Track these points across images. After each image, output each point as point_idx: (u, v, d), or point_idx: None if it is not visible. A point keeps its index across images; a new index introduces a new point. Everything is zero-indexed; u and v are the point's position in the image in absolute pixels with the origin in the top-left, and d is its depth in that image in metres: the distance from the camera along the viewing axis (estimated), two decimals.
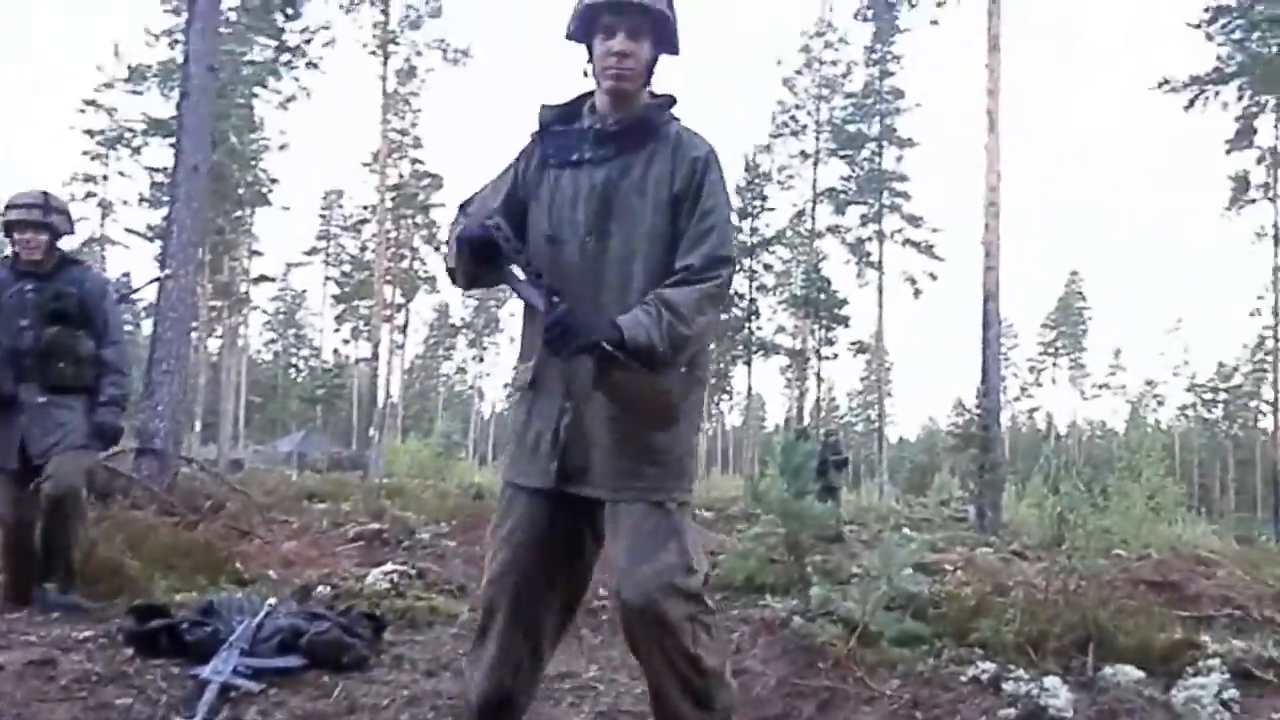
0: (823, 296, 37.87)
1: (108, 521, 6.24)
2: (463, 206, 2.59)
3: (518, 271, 2.27)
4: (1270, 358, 45.86)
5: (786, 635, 4.64)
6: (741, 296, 38.66)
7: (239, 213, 42.13)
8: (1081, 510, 5.28)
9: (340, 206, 59.97)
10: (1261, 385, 60.97)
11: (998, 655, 4.28)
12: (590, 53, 2.46)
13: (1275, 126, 31.05)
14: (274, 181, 42.30)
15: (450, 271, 2.49)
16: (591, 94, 2.54)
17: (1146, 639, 4.46)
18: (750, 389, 46.17)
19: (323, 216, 60.40)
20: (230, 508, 9.64)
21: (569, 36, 2.51)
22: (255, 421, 60.68)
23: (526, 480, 2.42)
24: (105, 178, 45.99)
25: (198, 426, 46.64)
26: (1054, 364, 72.24)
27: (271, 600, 4.20)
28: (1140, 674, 4.12)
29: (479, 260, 2.33)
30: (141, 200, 42.47)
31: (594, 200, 2.40)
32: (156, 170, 38.07)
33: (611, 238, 2.39)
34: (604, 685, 4.03)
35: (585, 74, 2.51)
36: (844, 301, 39.38)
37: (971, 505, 23.34)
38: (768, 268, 42.06)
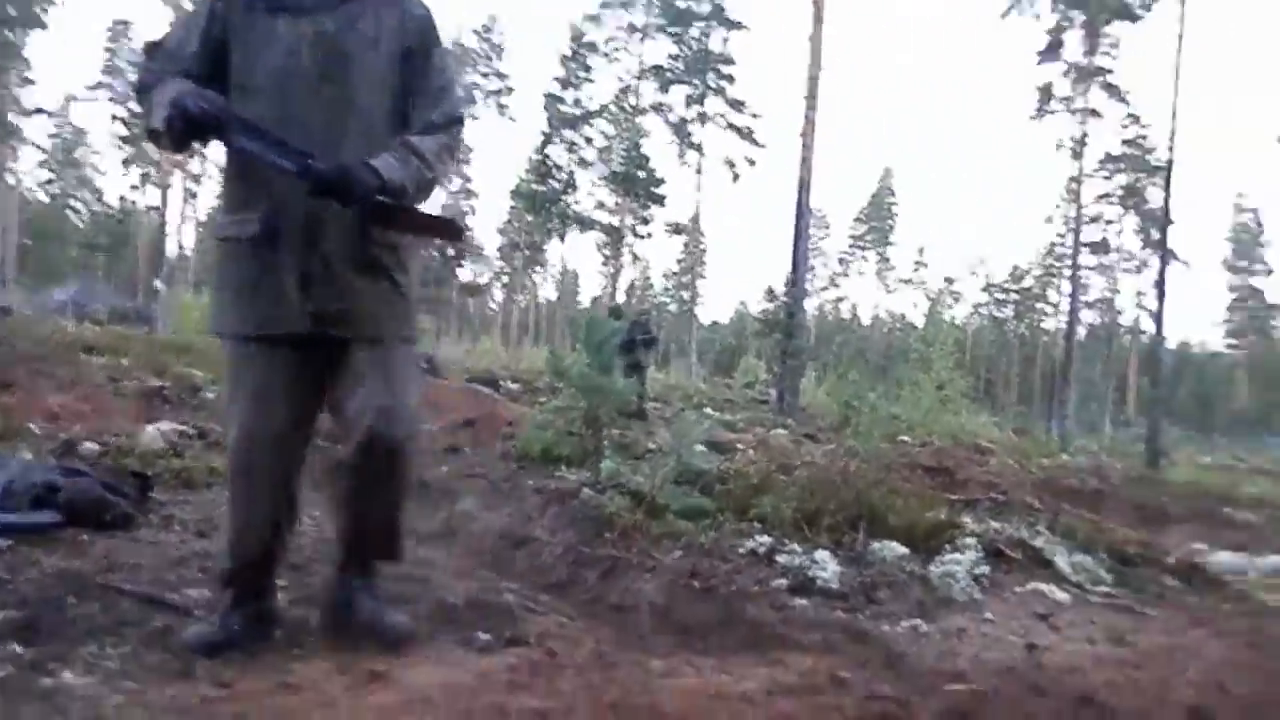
0: (641, 174, 37.84)
1: None
2: (150, 51, 2.42)
3: (249, 143, 2.19)
4: (1058, 263, 48.98)
5: (576, 506, 4.72)
6: (559, 168, 38.29)
7: (8, 34, 38.36)
8: (866, 397, 5.53)
9: (129, 39, 55.21)
10: (1048, 289, 65.20)
11: (776, 530, 4.49)
12: None
13: (1082, 42, 32.48)
14: (49, 1, 38.58)
15: (152, 133, 2.29)
16: None
17: (914, 519, 4.76)
18: (564, 263, 46.13)
19: (109, 49, 55.54)
20: None
21: None
22: (28, 266, 56.40)
23: (271, 329, 2.38)
24: None
25: None
26: (862, 257, 75.00)
27: (26, 454, 3.95)
28: (905, 550, 4.41)
29: (194, 133, 2.18)
30: None
31: (320, 49, 2.33)
32: None
33: (345, 86, 2.36)
34: None
35: None
36: (662, 180, 39.49)
37: (774, 389, 24.26)
38: (589, 141, 41.63)
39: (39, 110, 46.53)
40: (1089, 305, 45.19)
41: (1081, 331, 39.57)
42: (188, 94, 2.15)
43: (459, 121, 2.56)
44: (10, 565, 2.88)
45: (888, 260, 75.39)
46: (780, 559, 4.09)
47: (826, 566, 3.99)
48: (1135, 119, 35.26)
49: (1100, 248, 40.97)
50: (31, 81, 45.61)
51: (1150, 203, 36.24)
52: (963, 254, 73.79)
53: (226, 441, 2.50)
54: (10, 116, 43.84)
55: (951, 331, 20.77)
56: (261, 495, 2.43)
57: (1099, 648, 3.43)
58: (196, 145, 2.28)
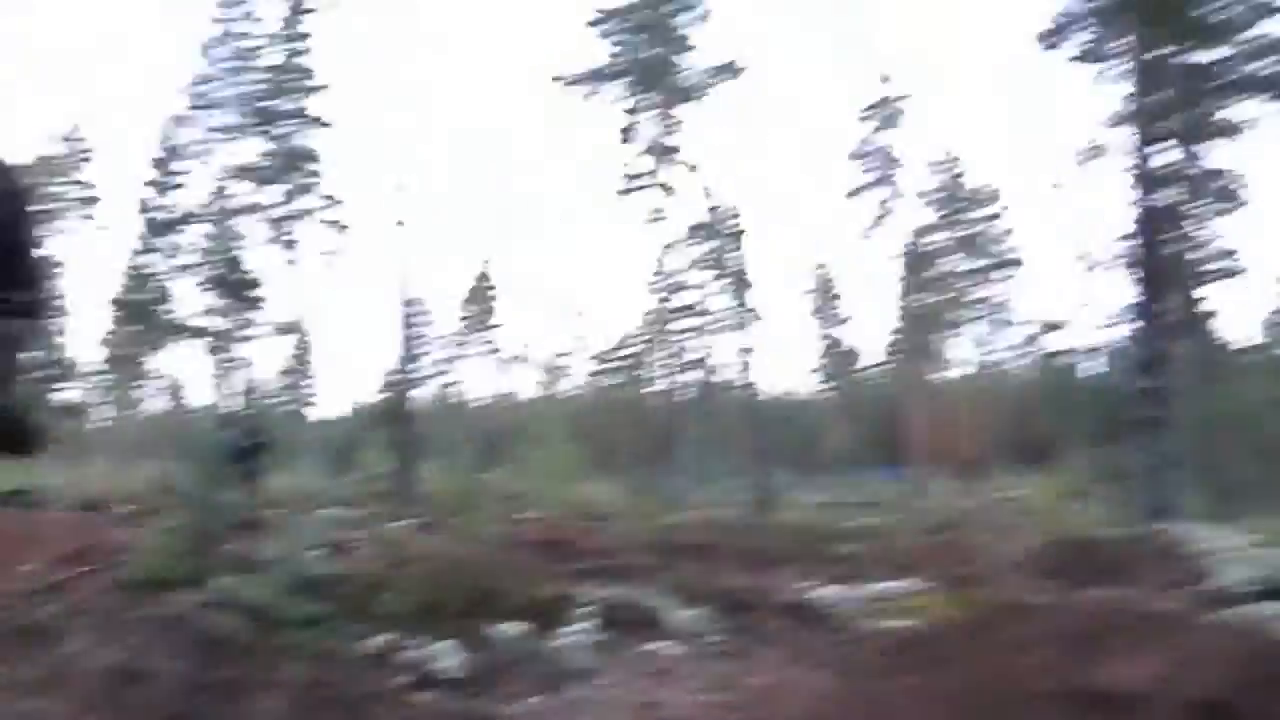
0: (237, 277, 36.31)
1: None
2: None
3: None
4: (660, 328, 52.19)
5: (191, 630, 4.55)
6: (155, 276, 35.89)
7: None
8: (474, 484, 5.77)
9: None
10: (653, 353, 69.15)
11: (399, 626, 4.58)
12: None
13: (656, 122, 35.07)
14: None
15: None
16: None
17: (530, 595, 5.03)
18: (169, 373, 43.05)
19: None
20: None
21: None
22: None
23: None
24: None
25: None
26: (468, 340, 75.94)
27: None
28: (526, 627, 4.65)
29: None
30: None
31: None
32: None
33: None
34: None
35: None
36: (256, 283, 38.08)
37: (393, 480, 23.93)
38: (185, 247, 39.37)
39: None
40: (690, 365, 48.54)
41: (692, 391, 42.33)
42: None
43: (32, 285, 2.19)
44: None
45: (490, 343, 76.95)
46: (400, 656, 4.18)
47: (448, 656, 4.14)
48: (708, 192, 38.55)
49: (693, 311, 44.18)
50: None
51: (734, 266, 39.58)
52: (574, 328, 76.12)
53: None
54: None
55: (561, 404, 21.68)
56: None
57: (710, 696, 3.78)
58: None
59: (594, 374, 76.95)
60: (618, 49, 31.69)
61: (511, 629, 4.62)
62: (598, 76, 31.39)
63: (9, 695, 2.52)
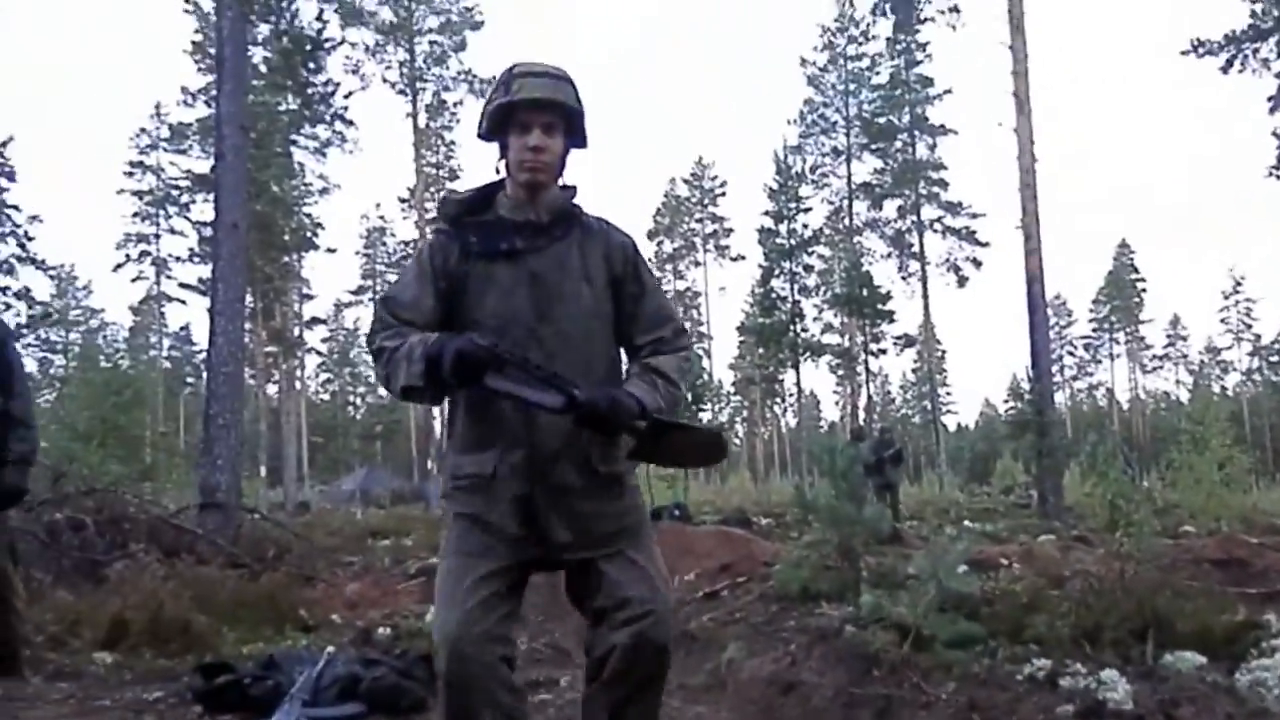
0: (865, 293, 37.56)
1: (175, 579, 6.38)
2: (385, 304, 2.54)
3: (506, 384, 2.27)
4: None
5: (841, 644, 4.65)
6: (784, 299, 38.54)
7: (286, 259, 42.88)
8: (1130, 493, 5.22)
9: (384, 244, 60.80)
10: None
11: (1054, 650, 4.26)
12: (503, 150, 2.54)
13: None
14: (318, 225, 43.10)
15: (407, 389, 2.35)
16: (498, 185, 2.62)
17: (1208, 622, 4.41)
18: (800, 390, 46.02)
19: (367, 255, 61.24)
20: (294, 554, 9.81)
21: (481, 137, 2.60)
22: (319, 461, 61.49)
23: (504, 560, 2.44)
24: (157, 236, 47.22)
25: (263, 472, 47.47)
26: (1110, 339, 71.05)
27: (330, 649, 4.30)
28: (1202, 659, 4.08)
29: (465, 376, 2.24)
30: (193, 255, 43.56)
31: (537, 288, 2.48)
32: (204, 224, 39.00)
33: (561, 323, 2.48)
34: None
35: (497, 170, 2.60)
36: (887, 296, 39.05)
37: (1033, 491, 23.04)
38: (809, 269, 41.82)
39: (316, 320, 51.52)
40: None
41: None
42: (462, 341, 2.24)
43: (685, 333, 2.67)
44: None
45: (1141, 338, 71.07)
46: (1063, 682, 3.86)
47: (1116, 686, 3.73)
48: None
49: None
50: (311, 296, 50.71)
51: None
52: (1223, 321, 67.82)
53: None
54: (295, 330, 48.72)
55: (1223, 404, 19.20)
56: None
57: None
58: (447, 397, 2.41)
59: (1258, 368, 67.95)
60: (1261, 3, 27.74)
61: (1187, 660, 4.06)
62: (1243, 38, 27.67)
63: (678, 698, 2.75)
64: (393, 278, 59.63)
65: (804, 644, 4.88)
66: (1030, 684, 3.93)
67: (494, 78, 2.58)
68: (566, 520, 2.43)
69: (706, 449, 2.55)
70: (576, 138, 2.60)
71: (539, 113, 2.48)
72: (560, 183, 2.61)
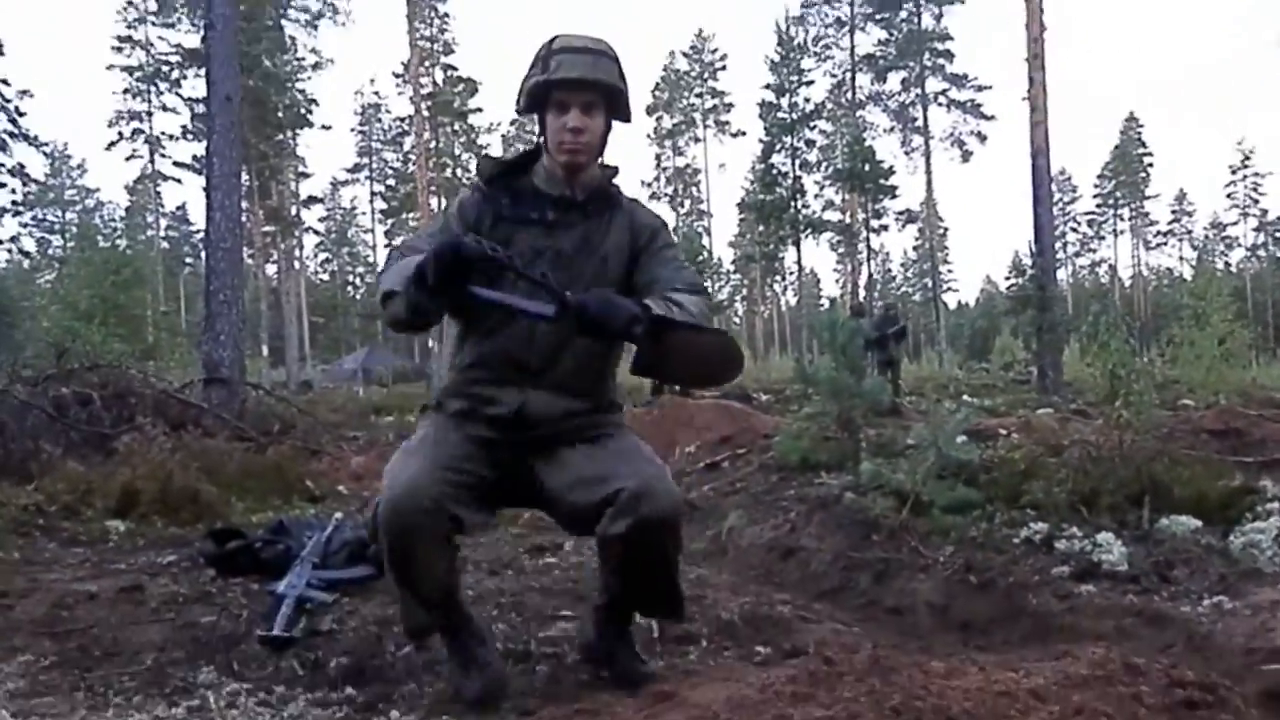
0: (867, 168, 37.13)
1: (183, 451, 6.46)
2: (399, 248, 2.51)
3: (495, 295, 2.23)
4: None
5: (840, 511, 4.73)
6: (785, 175, 38.12)
7: (280, 136, 42.27)
8: (1130, 364, 5.22)
9: (379, 121, 59.79)
10: None
11: (1051, 515, 4.32)
12: (542, 124, 2.48)
13: None
14: (313, 102, 42.34)
15: (402, 312, 2.29)
16: (535, 154, 2.57)
17: (1203, 488, 4.46)
18: (800, 268, 45.91)
19: (362, 132, 60.27)
20: (299, 429, 9.91)
21: (519, 111, 2.54)
22: (320, 341, 61.78)
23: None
24: (150, 113, 46.44)
25: (265, 352, 47.71)
26: (1115, 215, 70.50)
27: (338, 515, 4.36)
28: (1197, 523, 4.14)
29: (450, 278, 2.16)
30: (186, 133, 42.91)
31: (560, 262, 2.43)
32: (197, 101, 38.34)
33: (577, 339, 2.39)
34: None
35: (535, 143, 2.57)
36: (890, 171, 38.62)
37: (1033, 367, 23.17)
38: (810, 144, 41.26)
39: (313, 199, 51.02)
40: None
41: None
42: (453, 238, 2.20)
43: (704, 291, 2.53)
44: (337, 617, 3.21)
45: (1146, 214, 70.51)
46: (1059, 545, 3.94)
47: (1111, 548, 3.80)
48: None
49: None
50: (307, 175, 50.15)
51: None
52: (1230, 193, 66.96)
53: None
54: (292, 209, 48.29)
55: (1226, 280, 19.15)
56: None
57: None
58: (433, 311, 2.31)
59: (1261, 244, 67.58)
60: None
61: (1182, 523, 4.13)
62: None
63: (681, 561, 2.80)
64: (389, 155, 59.21)
65: (804, 512, 4.96)
66: (1026, 546, 4.01)
67: None
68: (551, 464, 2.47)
69: (721, 354, 2.32)
70: (619, 114, 2.53)
71: (579, 92, 2.41)
72: (600, 162, 2.55)
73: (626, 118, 2.56)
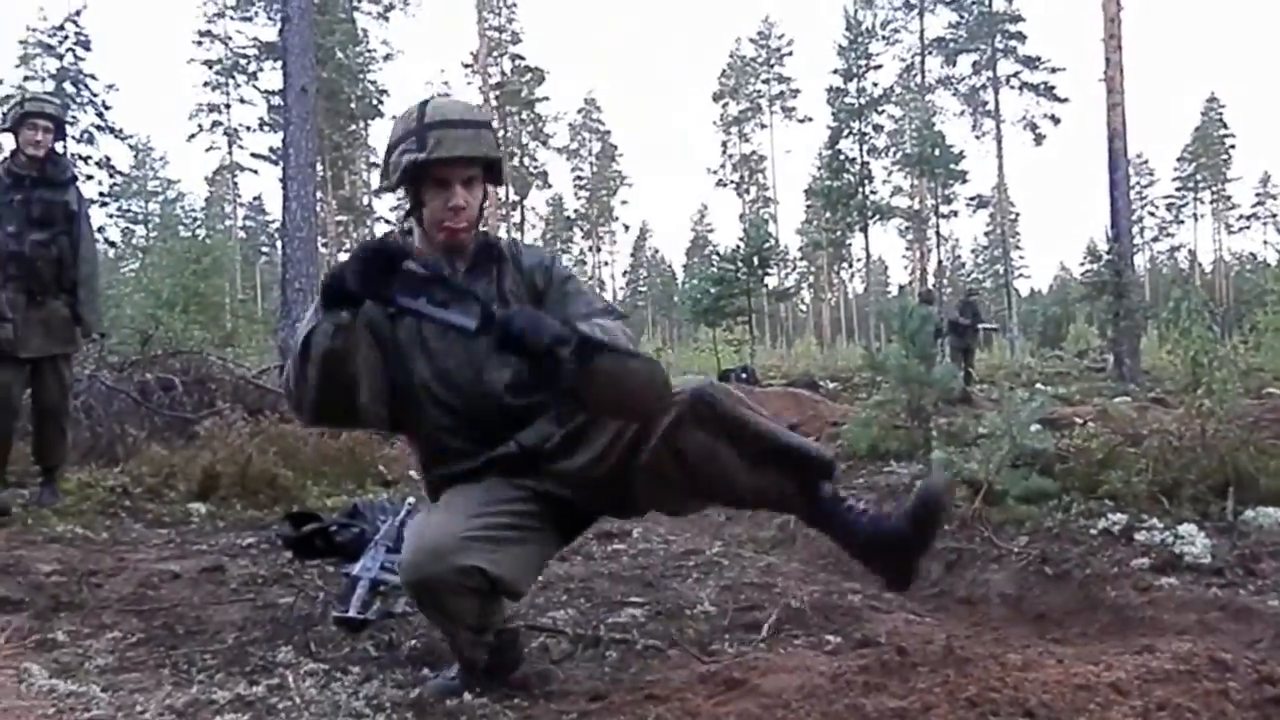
0: (937, 153, 36.54)
1: (260, 436, 6.59)
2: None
3: (416, 304, 2.10)
4: None
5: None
6: (853, 161, 37.69)
7: (353, 127, 42.87)
8: (1215, 352, 5.09)
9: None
10: None
11: (1129, 506, 4.24)
12: (417, 202, 2.37)
13: None
14: (384, 93, 42.88)
15: (317, 353, 2.13)
16: (405, 233, 2.49)
17: None
18: (868, 255, 45.42)
19: None
20: None
21: (388, 188, 2.43)
22: None
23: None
24: (228, 105, 47.35)
25: None
26: (1195, 198, 68.62)
27: (410, 499, 4.42)
28: None
29: (374, 276, 2.06)
30: (263, 124, 43.73)
31: (469, 339, 2.18)
32: (273, 93, 39.03)
33: (497, 370, 2.35)
34: (728, 560, 4.15)
35: (405, 220, 2.48)
36: (960, 156, 37.96)
37: (1109, 355, 22.64)
38: (878, 129, 40.72)
39: (384, 189, 51.75)
40: None
41: None
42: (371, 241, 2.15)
43: (625, 317, 2.45)
44: (408, 601, 3.26)
45: (1227, 197, 68.49)
46: (1139, 536, 3.85)
47: (1194, 540, 3.70)
48: None
49: None
50: (378, 165, 50.87)
51: None
52: None
53: None
54: (364, 199, 48.97)
55: None
56: None
57: None
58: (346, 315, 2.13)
59: None
60: None
61: (1269, 515, 4.01)
62: None
63: (749, 549, 2.80)
64: None
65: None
66: (1104, 538, 3.92)
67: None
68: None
69: (650, 383, 2.06)
70: (495, 180, 2.45)
71: (460, 168, 2.31)
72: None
73: (500, 183, 2.50)
